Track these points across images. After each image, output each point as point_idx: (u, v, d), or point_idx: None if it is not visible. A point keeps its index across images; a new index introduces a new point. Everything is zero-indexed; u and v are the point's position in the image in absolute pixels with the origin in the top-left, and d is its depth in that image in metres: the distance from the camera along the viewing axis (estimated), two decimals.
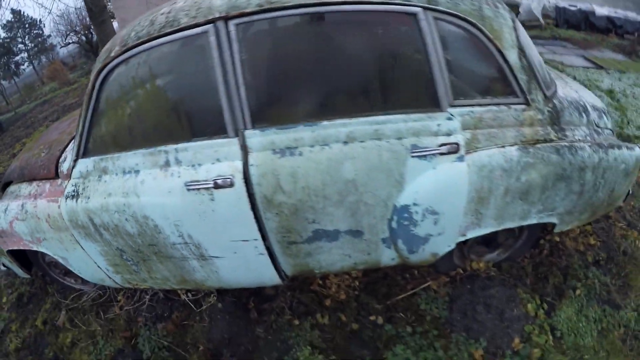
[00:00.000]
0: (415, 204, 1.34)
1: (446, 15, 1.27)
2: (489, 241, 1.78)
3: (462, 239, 1.51)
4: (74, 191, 1.48)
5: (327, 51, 1.31)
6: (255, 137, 1.27)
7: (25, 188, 1.66)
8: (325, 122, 1.25)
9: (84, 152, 1.48)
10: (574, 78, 4.51)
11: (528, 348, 1.57)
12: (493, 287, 1.74)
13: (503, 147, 1.36)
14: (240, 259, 1.46)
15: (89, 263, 1.62)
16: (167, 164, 1.35)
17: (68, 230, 1.52)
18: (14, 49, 24.92)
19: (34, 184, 1.62)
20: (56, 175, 1.56)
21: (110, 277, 1.66)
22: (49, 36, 24.90)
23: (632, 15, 7.77)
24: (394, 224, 1.39)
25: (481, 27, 1.30)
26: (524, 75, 1.37)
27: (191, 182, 1.31)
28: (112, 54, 1.33)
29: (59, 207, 1.50)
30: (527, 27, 7.82)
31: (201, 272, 1.54)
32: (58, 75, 14.82)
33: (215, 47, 1.21)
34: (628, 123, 3.43)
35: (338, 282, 1.71)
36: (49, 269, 1.84)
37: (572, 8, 7.64)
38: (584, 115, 1.58)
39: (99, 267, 1.62)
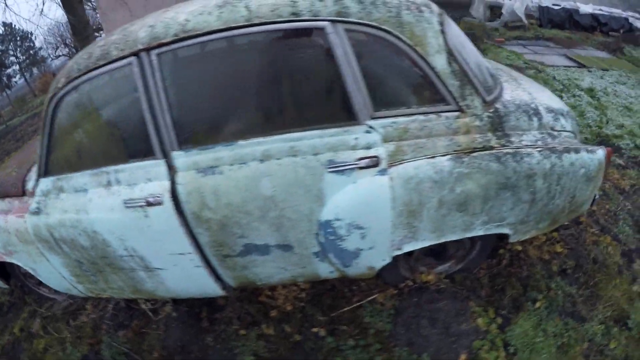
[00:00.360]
0: (337, 219, 1.36)
1: (358, 26, 1.26)
2: (438, 253, 1.75)
3: (399, 252, 1.50)
4: (37, 208, 1.62)
5: (243, 73, 1.36)
6: (180, 158, 1.35)
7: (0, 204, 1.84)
8: (241, 142, 1.30)
9: (44, 172, 1.61)
10: (554, 78, 4.34)
11: None
12: (442, 300, 1.71)
13: (433, 157, 1.33)
14: (180, 271, 1.54)
15: (54, 273, 1.75)
16: (109, 183, 1.46)
17: (34, 244, 1.66)
18: (6, 61, 25.29)
19: (6, 200, 1.78)
20: (24, 193, 1.72)
21: (74, 287, 1.79)
22: (40, 48, 25.48)
23: (617, 12, 7.49)
24: (321, 239, 1.42)
25: (398, 35, 1.28)
26: (455, 80, 1.33)
27: (129, 200, 1.41)
28: (59, 85, 1.46)
29: (25, 222, 1.64)
30: (511, 28, 7.67)
31: (149, 283, 1.63)
32: (49, 87, 15.44)
33: (139, 76, 1.30)
34: (607, 122, 3.28)
35: (285, 294, 1.75)
36: (25, 280, 2.01)
37: (556, 7, 7.47)
38: (534, 118, 1.50)
39: (63, 277, 1.75)
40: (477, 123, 1.38)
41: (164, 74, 1.30)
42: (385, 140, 1.31)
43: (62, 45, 21.47)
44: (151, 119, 1.32)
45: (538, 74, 4.48)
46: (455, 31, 1.46)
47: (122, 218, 1.43)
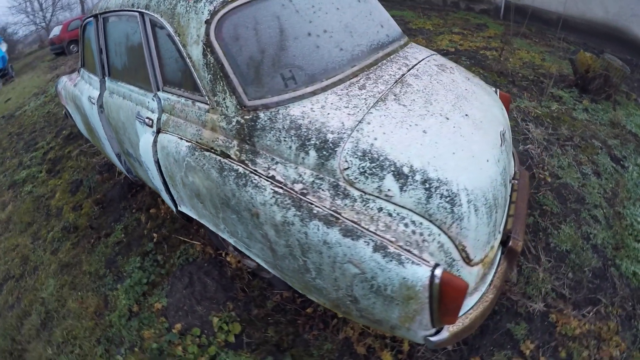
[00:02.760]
0: (139, 153, 1.86)
1: (154, 16, 1.50)
2: None
3: (178, 208, 1.72)
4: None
5: (119, 37, 1.92)
6: (107, 82, 2.15)
7: None
8: (119, 82, 1.98)
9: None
10: None
11: None
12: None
13: (181, 139, 1.46)
14: (105, 142, 2.41)
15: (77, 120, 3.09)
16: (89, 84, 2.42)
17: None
18: None
19: None
20: None
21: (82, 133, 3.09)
22: None
23: None
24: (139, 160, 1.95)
25: (167, 24, 1.42)
26: (208, 73, 1.30)
27: (90, 97, 2.34)
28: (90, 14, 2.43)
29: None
30: None
31: (101, 145, 2.63)
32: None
33: (101, 28, 2.09)
34: None
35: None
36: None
37: None
38: (312, 153, 1.12)
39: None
40: (224, 125, 1.31)
41: (106, 33, 2.06)
42: (164, 110, 1.65)
43: None
44: (103, 56, 2.15)
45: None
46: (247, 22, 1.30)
47: (89, 106, 2.38)
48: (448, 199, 1.07)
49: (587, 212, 2.19)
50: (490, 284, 1.26)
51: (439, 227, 1.06)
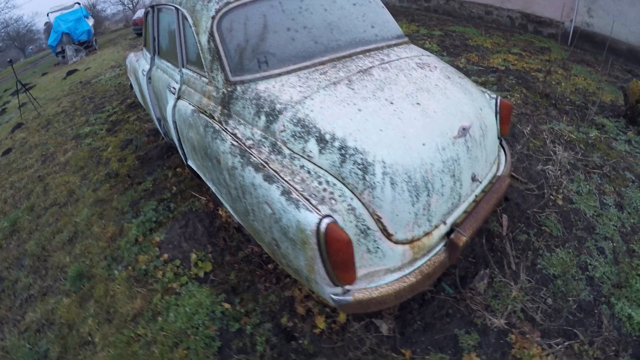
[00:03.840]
0: (166, 115, 2.35)
1: (182, 10, 1.92)
2: None
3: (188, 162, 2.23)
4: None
5: (166, 25, 2.42)
6: (155, 59, 2.70)
7: None
8: (162, 60, 2.50)
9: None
10: None
11: None
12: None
13: (189, 104, 1.87)
14: (152, 109, 3.01)
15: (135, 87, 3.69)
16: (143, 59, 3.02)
17: None
18: None
19: None
20: None
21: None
22: None
23: None
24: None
25: (188, 18, 1.81)
26: (209, 55, 1.65)
27: (143, 70, 2.93)
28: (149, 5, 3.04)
29: None
30: None
31: (151, 110, 3.23)
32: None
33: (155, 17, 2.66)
34: None
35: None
36: None
37: None
38: (263, 118, 1.42)
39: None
40: (214, 94, 1.67)
41: (155, 20, 2.60)
42: (184, 82, 2.11)
43: None
44: (155, 38, 2.70)
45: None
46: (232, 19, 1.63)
47: (142, 78, 2.96)
48: (361, 166, 1.22)
49: (594, 243, 2.06)
50: (416, 269, 1.29)
51: (351, 191, 1.22)
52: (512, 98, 3.66)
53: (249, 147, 1.41)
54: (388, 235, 1.24)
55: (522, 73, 4.37)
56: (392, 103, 1.40)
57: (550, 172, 2.55)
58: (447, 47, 5.58)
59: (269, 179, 1.26)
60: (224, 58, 1.59)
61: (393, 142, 1.27)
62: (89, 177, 3.53)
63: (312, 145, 1.29)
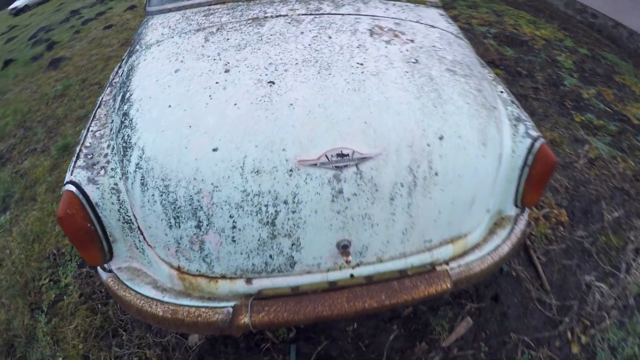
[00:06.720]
0: None
1: None
2: None
3: None
4: None
5: None
6: None
7: None
8: None
9: None
10: None
11: None
12: None
13: None
14: None
15: None
16: None
17: None
18: None
19: None
20: None
21: None
22: None
23: None
24: None
25: None
26: None
27: None
28: None
29: None
30: None
31: None
32: None
33: None
34: None
35: None
36: None
37: None
38: (129, 55, 1.42)
39: None
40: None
41: None
42: None
43: None
44: None
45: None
46: None
47: None
48: (124, 144, 0.97)
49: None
50: (185, 307, 0.98)
51: (122, 170, 0.98)
52: (613, 163, 2.46)
53: (112, 81, 1.45)
54: (149, 244, 1.02)
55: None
56: (227, 71, 0.99)
57: (597, 293, 1.59)
58: (583, 70, 4.23)
59: (84, 127, 1.23)
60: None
61: (169, 127, 0.90)
62: None
63: (119, 100, 1.11)
